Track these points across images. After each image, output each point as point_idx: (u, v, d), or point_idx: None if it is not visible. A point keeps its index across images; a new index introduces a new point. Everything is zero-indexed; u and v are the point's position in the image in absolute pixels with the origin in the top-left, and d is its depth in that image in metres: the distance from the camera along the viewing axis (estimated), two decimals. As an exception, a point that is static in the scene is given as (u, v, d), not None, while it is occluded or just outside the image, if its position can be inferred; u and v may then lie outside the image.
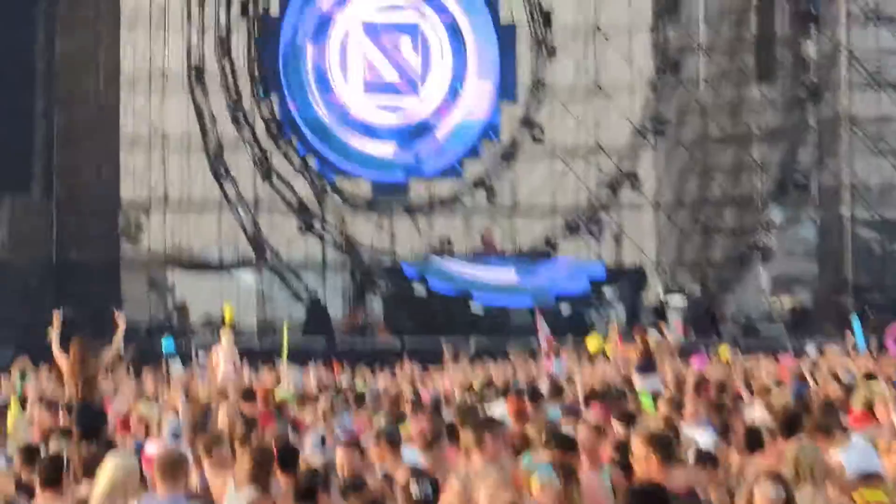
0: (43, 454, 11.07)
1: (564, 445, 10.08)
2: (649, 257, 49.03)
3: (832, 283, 46.70)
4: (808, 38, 45.68)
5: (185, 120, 44.64)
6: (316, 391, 19.93)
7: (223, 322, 29.32)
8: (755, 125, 48.47)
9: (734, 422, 13.16)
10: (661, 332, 26.27)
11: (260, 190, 45.16)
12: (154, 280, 44.24)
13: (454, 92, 48.24)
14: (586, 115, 49.27)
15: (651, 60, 48.84)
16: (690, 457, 10.48)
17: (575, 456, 10.05)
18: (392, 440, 10.90)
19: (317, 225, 45.02)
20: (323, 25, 47.27)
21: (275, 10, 46.74)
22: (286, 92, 46.37)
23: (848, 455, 10.43)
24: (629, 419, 12.32)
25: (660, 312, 41.90)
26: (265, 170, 44.58)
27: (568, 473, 8.76)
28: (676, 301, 44.43)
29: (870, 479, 9.28)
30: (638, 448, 9.10)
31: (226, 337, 25.02)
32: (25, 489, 10.31)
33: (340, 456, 10.56)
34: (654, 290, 46.78)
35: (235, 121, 43.97)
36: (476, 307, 42.93)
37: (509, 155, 48.92)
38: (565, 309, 42.59)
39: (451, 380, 21.94)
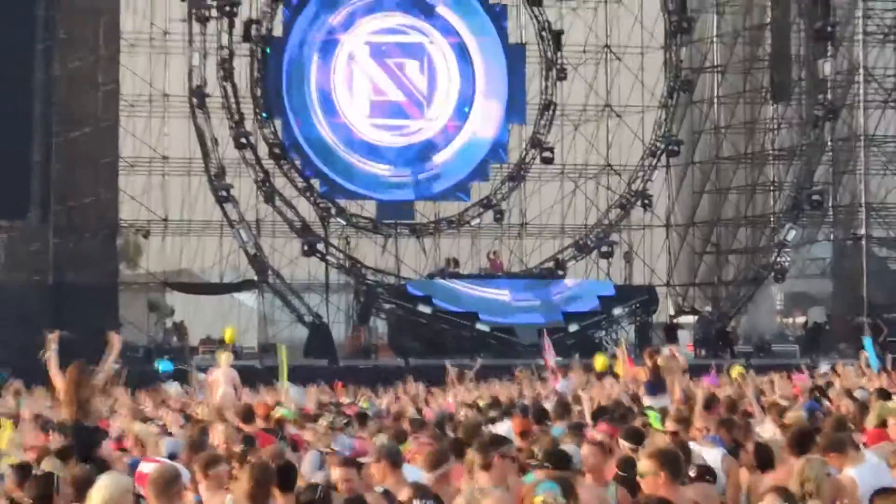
0: (35, 473, 11.07)
1: (559, 463, 9.95)
2: (660, 278, 48.90)
3: (847, 301, 46.58)
4: (824, 57, 45.31)
5: (186, 142, 44.62)
6: (316, 410, 19.65)
7: (222, 343, 29.22)
8: (769, 144, 48.54)
9: (745, 439, 13.04)
10: (671, 353, 25.72)
11: (262, 212, 45.11)
12: (153, 302, 44.11)
13: (462, 113, 47.80)
14: (598, 136, 49.34)
15: (663, 80, 48.50)
16: (691, 472, 10.27)
17: (571, 472, 9.88)
18: (393, 459, 10.79)
19: (320, 246, 44.61)
20: (328, 46, 46.85)
21: (278, 31, 46.37)
22: (289, 114, 46.01)
23: (861, 472, 10.30)
24: (637, 437, 12.14)
25: (670, 332, 41.63)
26: (268, 192, 44.16)
27: (566, 490, 8.53)
28: (687, 321, 44.22)
29: (883, 494, 8.83)
30: (646, 465, 9.02)
31: (224, 358, 24.96)
32: (16, 508, 10.36)
33: (338, 474, 10.53)
34: (664, 310, 46.45)
35: (238, 143, 43.53)
36: (482, 326, 42.77)
37: (518, 175, 48.65)
38: (573, 327, 42.47)
39: (456, 399, 21.90)
